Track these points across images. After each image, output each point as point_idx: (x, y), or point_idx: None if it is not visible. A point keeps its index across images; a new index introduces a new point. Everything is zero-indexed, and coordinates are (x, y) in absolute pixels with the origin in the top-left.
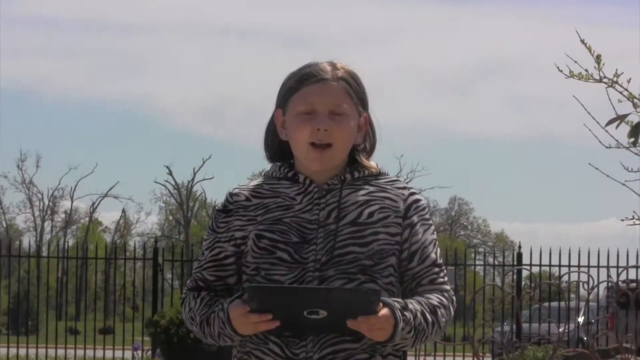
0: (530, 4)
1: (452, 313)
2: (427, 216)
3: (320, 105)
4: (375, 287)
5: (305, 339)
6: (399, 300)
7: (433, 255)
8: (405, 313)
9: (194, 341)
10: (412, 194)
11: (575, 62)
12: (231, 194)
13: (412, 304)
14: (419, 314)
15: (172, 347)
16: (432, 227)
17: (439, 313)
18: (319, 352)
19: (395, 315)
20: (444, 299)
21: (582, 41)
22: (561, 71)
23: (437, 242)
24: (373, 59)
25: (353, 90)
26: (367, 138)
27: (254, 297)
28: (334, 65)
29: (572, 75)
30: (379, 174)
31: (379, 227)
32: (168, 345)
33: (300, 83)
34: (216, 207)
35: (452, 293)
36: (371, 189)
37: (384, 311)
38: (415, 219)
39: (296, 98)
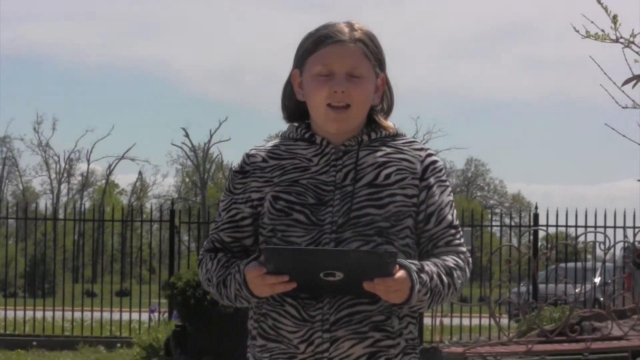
0: None
1: (468, 275)
2: (443, 178)
3: (337, 67)
4: (391, 249)
5: (321, 301)
6: (415, 262)
7: (449, 217)
8: (422, 275)
9: (210, 303)
10: (429, 155)
11: (592, 22)
12: (248, 155)
13: (429, 265)
14: (435, 276)
15: (189, 309)
16: (449, 189)
17: (455, 275)
18: (335, 314)
19: (411, 277)
20: (460, 261)
21: (599, 1)
22: (577, 32)
23: (453, 204)
24: (389, 21)
25: (370, 51)
26: (384, 99)
27: (271, 259)
28: (351, 26)
29: (588, 35)
30: (396, 135)
31: (395, 188)
32: (185, 307)
33: (318, 44)
34: (233, 168)
35: (468, 255)
36: (388, 150)
37: (400, 273)
38: (432, 180)
39: (313, 59)
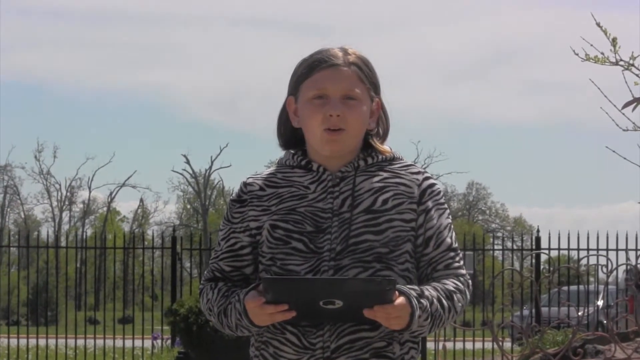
0: None
1: (469, 297)
2: (441, 201)
3: (332, 91)
4: (390, 276)
5: (322, 328)
6: (415, 287)
7: (448, 240)
8: (422, 300)
9: (213, 330)
10: (427, 178)
11: (591, 45)
12: (245, 184)
13: (428, 290)
14: (435, 300)
15: (192, 335)
16: (447, 212)
17: (455, 298)
18: (336, 341)
19: (411, 303)
20: (460, 284)
21: (598, 24)
22: (577, 54)
23: (452, 227)
24: (388, 45)
25: (365, 75)
26: (380, 123)
27: (269, 289)
28: (345, 51)
29: (588, 58)
30: (393, 159)
31: (393, 214)
32: (187, 333)
33: (312, 69)
34: (231, 197)
35: (468, 277)
36: (385, 175)
37: (400, 300)
38: (430, 204)
39: (308, 84)
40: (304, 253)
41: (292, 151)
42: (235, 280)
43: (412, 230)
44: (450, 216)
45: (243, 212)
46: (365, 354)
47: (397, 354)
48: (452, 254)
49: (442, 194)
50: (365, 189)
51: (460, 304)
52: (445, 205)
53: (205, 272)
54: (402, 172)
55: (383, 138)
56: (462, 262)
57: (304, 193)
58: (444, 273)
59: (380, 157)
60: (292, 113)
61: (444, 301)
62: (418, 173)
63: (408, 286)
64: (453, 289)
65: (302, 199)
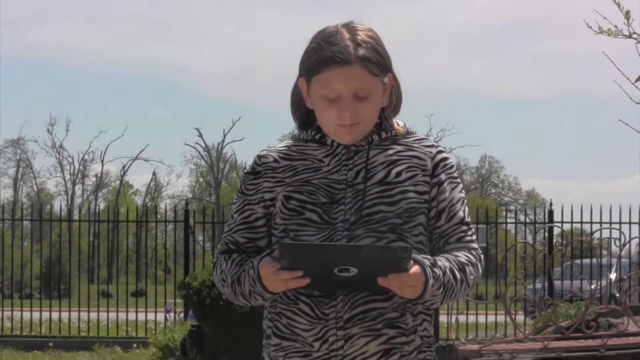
0: None
1: (480, 271)
2: (454, 174)
3: (343, 90)
4: (405, 245)
5: (335, 299)
6: (428, 257)
7: (461, 214)
8: (435, 269)
9: (226, 303)
10: (440, 152)
11: (604, 18)
12: (259, 156)
13: (441, 260)
14: (447, 271)
15: (204, 309)
16: (460, 185)
17: (467, 270)
18: (349, 312)
19: (425, 272)
20: (472, 257)
21: None
22: (590, 27)
23: (465, 200)
24: (400, 18)
25: (376, 64)
26: (392, 96)
27: (285, 254)
28: (354, 41)
29: (601, 31)
30: (407, 133)
31: (407, 185)
32: (200, 307)
33: (322, 66)
34: (245, 170)
35: (480, 251)
36: (399, 148)
37: (415, 268)
38: (443, 177)
39: (318, 81)
40: (318, 224)
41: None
42: (250, 252)
43: (425, 202)
44: (463, 190)
45: (257, 184)
46: (378, 324)
47: (410, 325)
48: (464, 227)
49: (455, 167)
50: (379, 161)
51: (472, 277)
52: (459, 179)
53: (219, 246)
54: (416, 145)
55: (396, 109)
56: (474, 236)
57: (318, 166)
58: (456, 246)
59: (393, 132)
60: (305, 93)
61: (456, 272)
62: (431, 146)
63: (422, 255)
64: (465, 261)
65: (316, 172)
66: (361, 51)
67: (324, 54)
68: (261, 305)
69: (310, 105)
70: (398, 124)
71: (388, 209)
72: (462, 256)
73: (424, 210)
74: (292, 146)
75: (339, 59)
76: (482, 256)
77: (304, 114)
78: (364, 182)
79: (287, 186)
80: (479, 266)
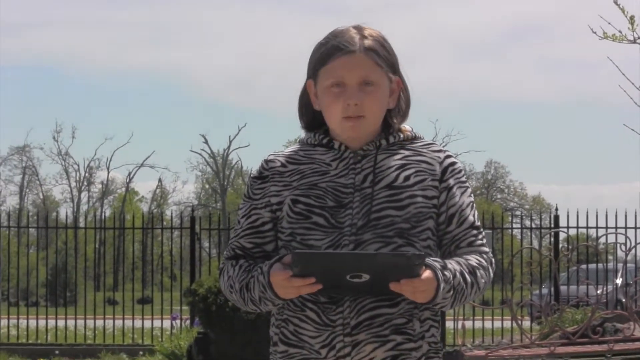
0: None
1: (491, 275)
2: (463, 179)
3: (349, 79)
4: (418, 252)
5: (342, 305)
6: (438, 259)
7: (471, 218)
8: (445, 272)
9: (232, 310)
10: (448, 156)
11: (609, 23)
12: (266, 161)
13: (451, 264)
14: (458, 274)
15: (211, 315)
16: (469, 190)
17: (478, 274)
18: (356, 318)
19: (437, 276)
20: (483, 261)
21: (616, 2)
22: (595, 32)
23: (474, 204)
24: (404, 23)
25: (382, 58)
26: (400, 101)
27: (298, 262)
28: (361, 34)
29: (605, 36)
30: (414, 138)
31: (415, 190)
32: (207, 314)
33: (328, 56)
34: (251, 174)
35: (491, 255)
36: (407, 153)
37: (427, 273)
38: (451, 181)
39: (325, 71)
40: (325, 228)
41: (314, 131)
42: (257, 257)
43: (434, 207)
44: (472, 194)
45: (264, 188)
46: (385, 330)
47: (417, 330)
48: (474, 231)
49: (463, 172)
50: (387, 165)
51: (483, 280)
52: (467, 184)
53: (226, 251)
54: (424, 150)
55: (404, 115)
56: (484, 240)
57: (326, 169)
58: (467, 250)
59: (401, 136)
60: (312, 96)
61: (466, 275)
62: (439, 151)
63: (432, 258)
64: (476, 264)
65: (323, 175)
66: (367, 42)
67: (331, 44)
68: (268, 312)
69: (318, 106)
70: (405, 129)
71: (396, 213)
72: (473, 260)
73: (432, 215)
74: (299, 150)
75: (345, 47)
76: (492, 260)
77: (311, 117)
78: (371, 186)
79: (294, 190)
80: (490, 270)
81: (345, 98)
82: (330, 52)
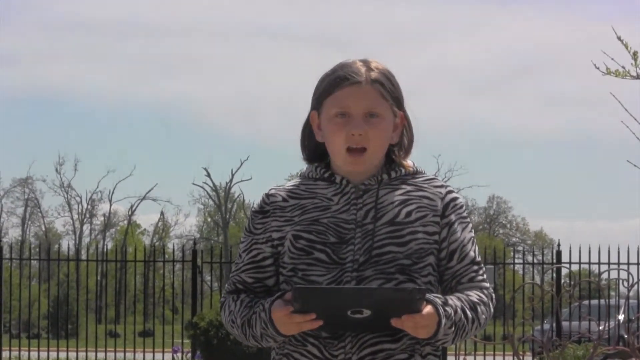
0: (564, 2)
1: (492, 310)
2: (464, 214)
3: (354, 109)
4: (419, 286)
5: (343, 340)
6: (439, 295)
7: (472, 254)
8: (446, 308)
9: (233, 343)
10: (450, 192)
11: (612, 59)
12: (267, 195)
13: (452, 299)
14: (459, 310)
15: (212, 349)
16: (470, 225)
17: (479, 310)
18: (358, 353)
19: (438, 311)
20: (484, 296)
21: (619, 38)
22: (598, 68)
23: (475, 240)
24: (408, 59)
25: (387, 91)
26: (403, 136)
27: (299, 298)
28: (367, 66)
29: (608, 72)
30: (415, 173)
31: (417, 226)
32: (208, 347)
33: (334, 86)
34: (253, 209)
35: (492, 291)
36: (408, 188)
37: (428, 309)
38: (453, 217)
39: (330, 101)
40: (327, 264)
41: (315, 164)
42: (258, 292)
43: (435, 243)
44: (473, 230)
45: (265, 223)
46: None
47: None
48: (475, 267)
49: (464, 207)
50: (389, 201)
51: (484, 316)
52: (468, 219)
53: (227, 285)
54: (426, 185)
55: (407, 151)
56: (485, 276)
57: (327, 204)
58: (468, 286)
59: (403, 171)
60: (315, 127)
61: (467, 311)
62: (441, 187)
63: (433, 294)
64: (477, 300)
65: (325, 210)
66: (374, 74)
67: (337, 74)
68: (269, 346)
69: (321, 138)
70: (407, 163)
71: (398, 249)
72: (474, 295)
73: (434, 250)
74: (300, 185)
75: (351, 77)
76: (493, 295)
77: (313, 149)
78: (373, 222)
79: (295, 225)
80: (491, 305)
81: (350, 128)
82: (336, 82)
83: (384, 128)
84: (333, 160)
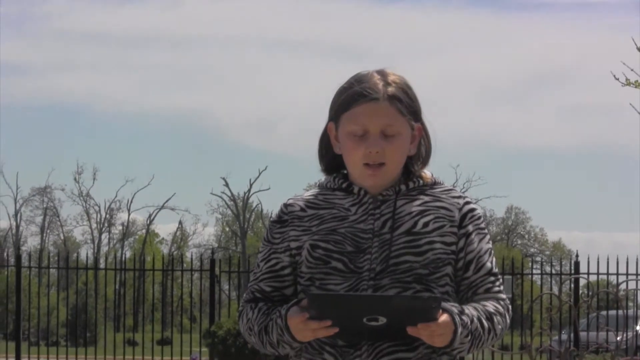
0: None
1: (508, 321)
2: (482, 225)
3: (371, 126)
4: (435, 295)
5: (359, 349)
6: (456, 304)
7: (489, 265)
8: (463, 317)
9: (251, 352)
10: (467, 203)
11: (632, 70)
12: (286, 205)
13: (469, 309)
14: (475, 319)
15: (230, 357)
16: (488, 236)
17: (495, 320)
18: None
19: (454, 320)
20: (500, 307)
21: (638, 48)
22: (617, 79)
23: (492, 251)
24: (425, 70)
25: (405, 106)
26: (421, 147)
27: (313, 304)
28: (385, 80)
29: (628, 83)
30: (434, 184)
31: (434, 236)
32: (225, 355)
33: (351, 102)
34: (271, 219)
35: (508, 302)
36: (426, 198)
37: (444, 317)
38: (470, 228)
39: (347, 117)
40: (344, 273)
41: (333, 174)
42: (276, 300)
43: (452, 253)
44: (490, 241)
45: (284, 232)
46: None
47: None
48: (492, 278)
49: (482, 218)
50: (406, 211)
51: (500, 327)
52: (486, 230)
53: (245, 294)
54: (443, 196)
55: (425, 161)
56: (502, 287)
57: (345, 215)
58: (484, 297)
59: (421, 182)
60: (333, 139)
61: (483, 321)
62: (459, 197)
63: (450, 303)
64: (493, 310)
65: (342, 220)
66: (391, 90)
67: (354, 90)
68: (286, 355)
69: (338, 150)
70: (425, 174)
71: (415, 259)
72: (490, 306)
73: (451, 261)
74: (318, 195)
75: (368, 94)
76: (509, 306)
77: (331, 160)
78: (390, 232)
79: (313, 235)
80: (507, 316)
81: (367, 145)
82: (353, 98)
83: (401, 144)
84: (350, 172)
